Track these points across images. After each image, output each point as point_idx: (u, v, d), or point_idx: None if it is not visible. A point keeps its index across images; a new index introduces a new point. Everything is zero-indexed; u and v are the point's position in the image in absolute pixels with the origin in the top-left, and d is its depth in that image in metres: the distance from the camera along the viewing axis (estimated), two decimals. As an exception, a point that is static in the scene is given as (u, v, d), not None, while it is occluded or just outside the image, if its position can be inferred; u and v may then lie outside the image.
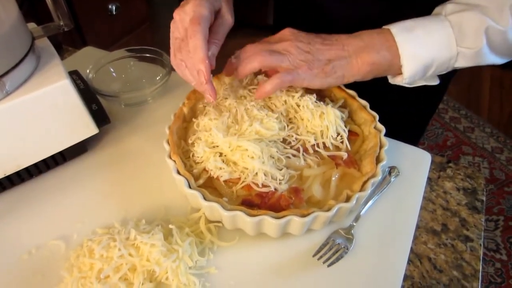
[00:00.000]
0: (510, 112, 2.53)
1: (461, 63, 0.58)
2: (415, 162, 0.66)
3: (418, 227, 0.58)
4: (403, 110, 0.85)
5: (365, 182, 0.56)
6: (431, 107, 0.95)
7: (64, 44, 1.04)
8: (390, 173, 0.64)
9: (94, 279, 0.46)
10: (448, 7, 0.58)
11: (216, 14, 0.59)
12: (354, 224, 0.57)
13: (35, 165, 0.63)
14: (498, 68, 2.65)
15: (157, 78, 0.78)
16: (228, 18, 0.60)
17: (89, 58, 0.83)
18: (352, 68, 0.58)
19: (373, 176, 0.56)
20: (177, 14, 0.56)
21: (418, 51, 0.56)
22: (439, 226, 0.58)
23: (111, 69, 0.82)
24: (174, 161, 0.58)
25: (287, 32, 0.59)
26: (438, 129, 2.43)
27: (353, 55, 0.58)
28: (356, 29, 0.59)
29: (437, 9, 0.61)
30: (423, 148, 0.68)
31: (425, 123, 0.99)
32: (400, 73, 0.59)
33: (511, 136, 2.38)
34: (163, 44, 0.76)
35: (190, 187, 0.55)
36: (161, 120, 0.75)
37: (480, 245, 0.56)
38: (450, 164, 0.67)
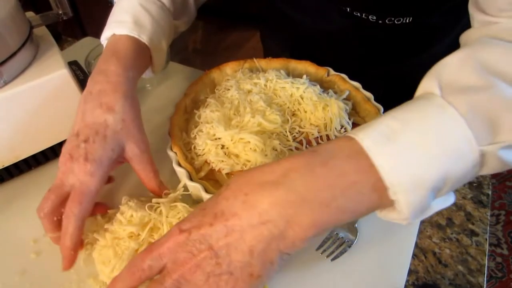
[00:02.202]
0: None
1: (491, 168, 0.34)
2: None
3: (422, 221, 0.57)
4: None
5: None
6: None
7: (64, 34, 1.03)
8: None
9: (126, 238, 0.48)
10: (444, 73, 0.35)
11: (123, 153, 0.51)
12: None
13: (34, 156, 0.62)
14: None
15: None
16: (137, 155, 0.51)
17: (88, 49, 0.82)
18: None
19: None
20: (64, 165, 0.47)
21: (417, 171, 0.31)
22: (444, 220, 0.57)
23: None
24: (175, 153, 0.57)
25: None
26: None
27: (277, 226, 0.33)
28: (332, 41, 0.45)
29: (425, 83, 0.36)
30: None
31: None
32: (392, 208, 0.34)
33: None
34: None
35: (191, 179, 0.54)
36: (160, 109, 0.74)
37: (486, 239, 0.55)
38: (455, 158, 0.66)
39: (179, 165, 0.56)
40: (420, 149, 0.31)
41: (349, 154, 0.32)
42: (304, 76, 0.67)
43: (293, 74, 0.71)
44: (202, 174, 0.56)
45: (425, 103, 0.34)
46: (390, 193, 0.31)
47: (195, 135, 0.59)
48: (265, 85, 0.64)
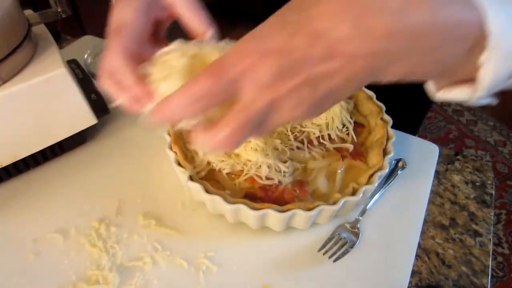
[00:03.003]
0: (514, 105, 2.51)
1: None
2: (422, 155, 0.64)
3: (425, 221, 0.56)
4: (401, 96, 0.71)
5: (371, 175, 0.54)
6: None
7: (63, 33, 1.02)
8: (397, 165, 0.62)
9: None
10: None
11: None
12: (360, 218, 0.55)
13: (32, 156, 0.62)
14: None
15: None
16: None
17: (88, 48, 0.81)
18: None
19: (380, 169, 0.54)
20: (110, 15, 0.41)
21: None
22: (447, 221, 0.57)
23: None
24: (175, 152, 0.56)
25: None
26: (440, 122, 2.41)
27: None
28: None
29: None
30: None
31: (424, 112, 0.94)
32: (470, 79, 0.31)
33: (514, 129, 2.36)
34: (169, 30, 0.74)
35: (191, 179, 0.54)
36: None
37: (490, 239, 0.55)
38: (458, 157, 0.66)
39: (179, 164, 0.55)
40: None
41: (466, 3, 0.27)
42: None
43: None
44: (203, 174, 0.55)
45: None
46: (483, 56, 0.28)
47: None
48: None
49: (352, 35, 0.26)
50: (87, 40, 0.95)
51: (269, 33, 0.29)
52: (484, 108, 2.48)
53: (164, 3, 0.42)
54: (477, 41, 0.28)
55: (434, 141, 0.63)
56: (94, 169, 0.63)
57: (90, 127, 0.65)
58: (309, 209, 0.50)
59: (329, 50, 0.27)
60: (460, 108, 2.47)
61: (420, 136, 0.68)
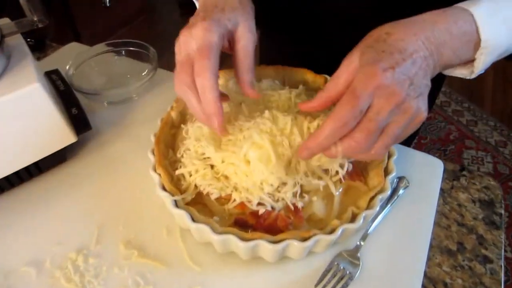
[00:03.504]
0: (514, 104, 2.47)
1: None
2: (425, 171, 0.60)
3: (431, 246, 0.52)
4: None
5: (372, 198, 0.50)
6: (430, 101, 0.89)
7: (56, 39, 0.97)
8: (398, 184, 0.58)
9: None
10: None
11: (233, 34, 0.49)
12: (362, 243, 0.51)
13: (6, 178, 0.57)
14: (502, 59, 2.58)
15: (143, 74, 0.72)
16: (248, 37, 0.49)
17: (72, 56, 0.76)
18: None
19: (382, 190, 0.50)
20: (182, 35, 0.48)
21: (501, 39, 0.46)
22: (454, 245, 0.52)
23: (93, 65, 0.76)
24: (159, 174, 0.52)
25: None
26: (440, 123, 2.36)
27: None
28: (351, 23, 0.51)
29: None
30: (425, 143, 0.62)
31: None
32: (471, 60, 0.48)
33: (514, 129, 2.32)
34: (162, 37, 0.70)
35: (177, 205, 0.49)
36: (147, 120, 0.70)
37: (501, 266, 0.50)
38: (464, 173, 0.61)
39: (164, 188, 0.51)
40: (504, 27, 0.46)
41: (467, 20, 0.45)
42: (301, 86, 0.62)
43: (289, 83, 0.66)
44: (189, 198, 0.51)
45: None
46: (478, 52, 0.46)
47: (182, 154, 0.54)
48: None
49: (418, 47, 0.42)
50: (73, 47, 0.90)
51: (374, 60, 0.40)
52: (484, 107, 2.44)
53: (233, 37, 0.49)
54: (476, 43, 0.45)
55: (434, 142, 0.59)
56: (73, 191, 0.59)
57: (71, 144, 0.61)
58: (305, 239, 0.45)
59: (413, 59, 0.41)
60: (460, 108, 2.43)
61: (420, 138, 0.64)
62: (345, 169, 0.51)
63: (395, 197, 0.56)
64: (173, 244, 0.52)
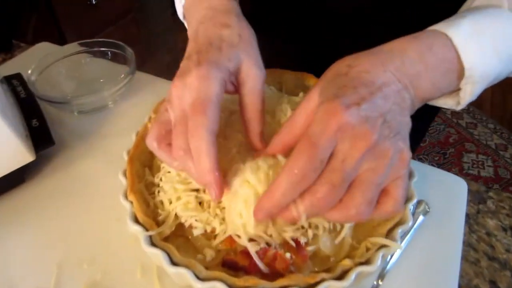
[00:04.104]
0: (514, 107, 2.41)
1: None
2: (447, 193, 0.51)
3: (460, 286, 0.43)
4: None
5: (390, 230, 0.41)
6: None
7: (40, 38, 0.87)
8: (416, 209, 0.49)
9: None
10: None
11: (237, 75, 0.41)
12: (380, 283, 0.43)
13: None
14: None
15: (119, 78, 0.63)
16: (256, 76, 0.41)
17: (37, 59, 0.67)
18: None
19: (401, 221, 0.41)
20: (174, 87, 0.39)
21: (487, 68, 0.39)
22: (486, 285, 0.44)
23: (61, 68, 0.67)
24: (131, 202, 0.43)
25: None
26: (440, 125, 2.31)
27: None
28: (348, 22, 0.44)
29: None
30: (424, 147, 0.53)
31: (427, 125, 0.87)
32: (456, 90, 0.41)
33: (515, 132, 2.27)
34: (151, 37, 0.61)
35: (152, 242, 0.40)
36: (124, 132, 0.59)
37: (543, 311, 0.42)
38: (490, 194, 0.53)
39: (136, 220, 0.42)
40: (491, 50, 0.39)
41: (444, 45, 0.38)
42: (301, 94, 0.53)
43: (286, 88, 0.57)
44: (168, 232, 0.42)
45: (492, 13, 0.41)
46: (463, 82, 0.39)
47: (161, 178, 0.45)
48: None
49: (387, 79, 0.35)
50: (43, 47, 0.81)
51: (334, 95, 0.33)
52: (483, 110, 2.38)
53: (236, 79, 0.41)
54: (460, 71, 0.38)
55: (433, 146, 0.51)
56: (29, 220, 0.49)
57: (29, 163, 0.51)
58: (311, 287, 0.37)
59: (383, 93, 0.34)
60: (459, 111, 2.37)
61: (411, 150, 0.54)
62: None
63: (414, 226, 0.48)
64: (148, 286, 0.43)
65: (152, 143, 0.40)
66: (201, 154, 0.35)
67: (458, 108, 0.42)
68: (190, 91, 0.37)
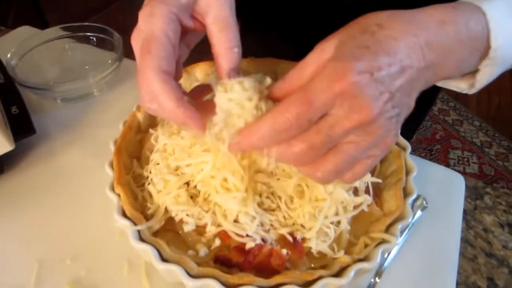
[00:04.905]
0: (498, 105, 2.45)
1: None
2: (444, 189, 0.50)
3: (457, 283, 0.42)
4: None
5: (389, 225, 0.40)
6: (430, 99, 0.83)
7: (20, 25, 0.83)
8: (414, 204, 0.48)
9: None
10: None
11: (195, 6, 0.37)
12: (377, 281, 0.41)
13: None
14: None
15: (106, 64, 0.61)
16: (219, 3, 0.37)
17: (17, 43, 0.63)
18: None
19: (401, 217, 0.40)
20: (132, 39, 0.37)
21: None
22: (484, 282, 0.43)
23: (44, 53, 0.64)
24: (119, 195, 0.40)
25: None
26: (426, 122, 2.32)
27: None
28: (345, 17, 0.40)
29: None
30: (411, 143, 0.52)
31: (423, 116, 0.88)
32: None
33: (499, 129, 2.30)
34: None
35: (140, 237, 0.38)
36: (110, 122, 0.56)
37: (541, 309, 0.41)
38: (487, 189, 0.52)
39: (124, 214, 0.39)
40: None
41: (479, 22, 0.34)
42: (297, 84, 0.51)
43: (281, 79, 0.55)
44: (157, 226, 0.40)
45: None
46: (484, 63, 0.36)
47: (150, 170, 0.43)
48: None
49: (413, 53, 0.31)
50: (24, 32, 0.77)
51: (351, 55, 0.30)
52: (469, 107, 2.41)
53: (196, 11, 0.37)
54: (484, 51, 0.35)
55: (420, 142, 0.49)
56: (8, 213, 0.47)
57: (10, 152, 0.48)
58: (308, 284, 0.35)
59: (402, 68, 0.31)
60: (446, 108, 2.39)
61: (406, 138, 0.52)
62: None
63: (412, 221, 0.46)
64: (136, 284, 0.41)
65: (146, 106, 0.36)
66: (158, 96, 0.33)
67: (471, 91, 0.39)
68: (141, 33, 0.35)
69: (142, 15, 0.35)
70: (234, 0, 0.38)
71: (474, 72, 0.37)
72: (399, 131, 0.33)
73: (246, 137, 0.32)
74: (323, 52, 0.31)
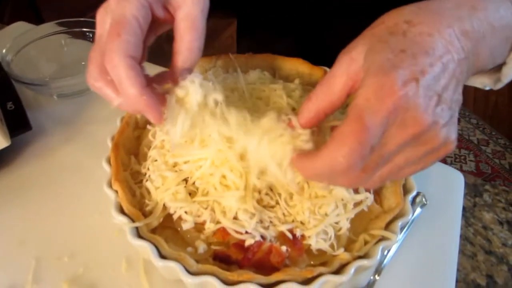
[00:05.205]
0: (495, 103, 2.45)
1: None
2: (444, 186, 0.50)
3: (457, 280, 0.42)
4: None
5: (389, 222, 0.40)
6: None
7: (15, 21, 0.82)
8: (413, 201, 0.48)
9: None
10: None
11: None
12: (377, 278, 0.41)
13: None
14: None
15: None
16: (192, 1, 0.36)
17: (12, 39, 0.62)
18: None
19: (401, 214, 0.40)
20: (98, 14, 0.36)
21: None
22: (483, 279, 0.43)
23: (40, 49, 0.64)
24: (116, 191, 0.40)
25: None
26: (424, 120, 2.33)
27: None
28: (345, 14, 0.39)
29: None
30: None
31: None
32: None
33: (496, 128, 2.30)
34: None
35: (139, 233, 0.38)
36: (107, 118, 0.56)
37: (540, 306, 0.41)
38: (487, 187, 0.52)
39: (122, 211, 0.39)
40: None
41: (508, 9, 0.33)
42: (297, 80, 0.51)
43: (280, 74, 0.55)
44: (156, 223, 0.39)
45: None
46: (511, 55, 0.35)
47: (148, 167, 0.42)
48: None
49: (451, 45, 0.29)
50: (19, 27, 0.76)
51: (390, 65, 0.28)
52: (466, 105, 2.41)
53: (170, 3, 0.36)
54: None
55: None
56: (5, 210, 0.46)
57: (5, 149, 0.48)
58: (307, 281, 0.35)
59: (444, 65, 0.29)
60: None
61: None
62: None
63: (411, 218, 0.46)
64: (134, 281, 0.41)
65: (91, 82, 0.35)
66: (122, 81, 0.32)
67: (497, 86, 0.38)
68: (110, 13, 0.34)
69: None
70: (209, 2, 0.37)
71: (499, 66, 0.36)
72: (457, 135, 0.31)
73: (304, 169, 0.31)
74: (352, 61, 0.29)
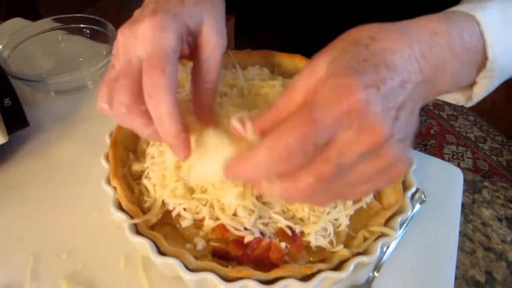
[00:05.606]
0: (493, 100, 2.46)
1: None
2: (443, 182, 0.50)
3: (456, 277, 0.42)
4: None
5: (388, 219, 0.40)
6: None
7: (11, 18, 0.81)
8: (413, 198, 0.48)
9: None
10: None
11: (195, 36, 0.37)
12: (376, 275, 0.41)
13: None
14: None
15: (100, 56, 0.60)
16: (216, 44, 0.36)
17: (9, 35, 0.62)
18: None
19: (400, 210, 0.40)
20: (122, 35, 0.34)
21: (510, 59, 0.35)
22: (482, 276, 0.43)
23: (37, 45, 0.64)
24: (115, 188, 0.40)
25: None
26: (421, 117, 2.33)
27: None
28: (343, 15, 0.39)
29: None
30: None
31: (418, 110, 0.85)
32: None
33: (494, 125, 2.31)
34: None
35: (137, 230, 0.37)
36: (103, 116, 0.56)
37: (539, 302, 0.41)
38: (486, 183, 0.52)
39: (120, 207, 0.39)
40: None
41: (474, 32, 0.33)
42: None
43: (279, 71, 0.55)
44: (154, 219, 0.39)
45: None
46: (481, 75, 0.35)
47: (148, 165, 0.42)
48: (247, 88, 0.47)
49: (410, 66, 0.29)
50: (16, 23, 0.75)
51: (351, 69, 0.27)
52: (464, 102, 2.42)
53: (195, 40, 0.37)
54: (481, 63, 0.34)
55: (415, 136, 0.49)
56: (2, 207, 0.46)
57: (2, 146, 0.47)
58: (307, 278, 0.35)
59: (403, 82, 0.28)
60: (440, 103, 2.40)
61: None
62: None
63: (411, 215, 0.46)
64: (132, 278, 0.40)
65: (104, 106, 0.34)
66: (164, 117, 0.32)
67: (468, 104, 0.38)
68: (143, 42, 0.32)
69: (149, 25, 0.32)
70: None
71: (471, 84, 0.36)
72: (410, 158, 0.29)
73: (240, 164, 0.28)
74: (313, 72, 0.28)
